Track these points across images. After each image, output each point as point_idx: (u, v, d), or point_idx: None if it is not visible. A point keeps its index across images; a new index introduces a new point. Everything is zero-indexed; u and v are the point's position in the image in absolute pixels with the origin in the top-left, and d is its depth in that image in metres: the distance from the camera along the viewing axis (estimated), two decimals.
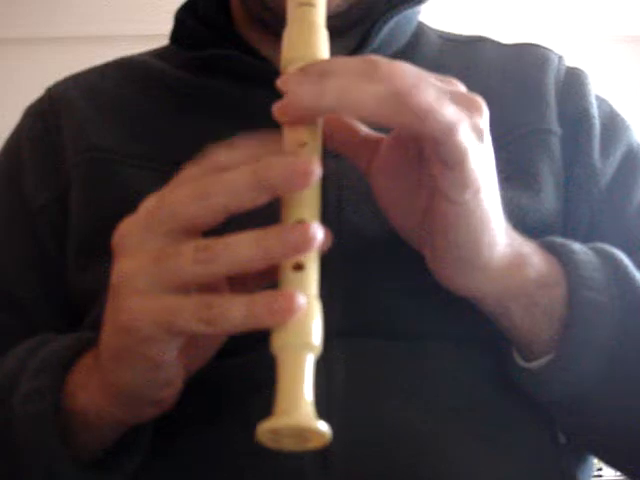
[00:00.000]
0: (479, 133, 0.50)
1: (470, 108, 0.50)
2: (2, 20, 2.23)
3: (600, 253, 0.59)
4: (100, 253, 0.51)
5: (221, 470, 0.58)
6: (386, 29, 0.71)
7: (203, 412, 0.59)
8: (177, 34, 0.75)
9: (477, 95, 0.52)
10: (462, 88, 0.52)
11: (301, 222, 0.47)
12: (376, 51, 0.70)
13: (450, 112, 0.48)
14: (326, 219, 0.49)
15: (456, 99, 0.49)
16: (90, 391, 0.54)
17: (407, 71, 0.47)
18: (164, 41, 0.79)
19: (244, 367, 0.58)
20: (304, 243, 0.44)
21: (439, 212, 0.52)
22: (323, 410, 0.45)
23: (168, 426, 0.56)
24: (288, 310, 0.44)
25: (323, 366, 0.47)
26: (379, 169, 0.55)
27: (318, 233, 0.44)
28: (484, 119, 0.51)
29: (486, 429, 0.60)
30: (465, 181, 0.50)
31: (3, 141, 0.78)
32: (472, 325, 0.59)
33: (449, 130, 0.48)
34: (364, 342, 0.60)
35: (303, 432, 0.44)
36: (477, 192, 0.51)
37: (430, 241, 0.55)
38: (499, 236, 0.54)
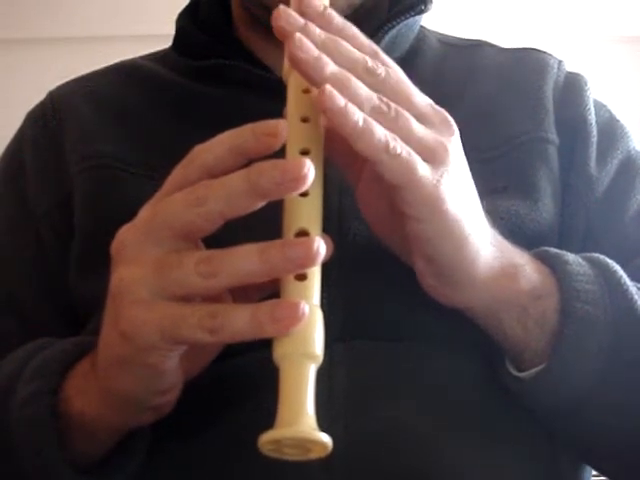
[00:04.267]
0: (446, 151, 0.51)
1: (439, 125, 0.51)
2: (2, 20, 2.23)
3: (594, 264, 0.59)
4: (103, 259, 0.51)
5: (223, 469, 0.58)
6: (388, 38, 0.71)
7: (205, 412, 0.59)
8: (178, 42, 0.76)
9: (446, 113, 0.52)
10: (431, 106, 0.53)
11: (304, 233, 0.47)
12: None
13: (379, 132, 0.48)
14: (327, 225, 0.49)
15: (426, 113, 0.50)
16: (87, 396, 0.54)
17: (334, 93, 0.48)
18: (164, 41, 0.79)
19: (246, 367, 0.58)
20: (308, 259, 0.44)
21: (409, 231, 0.53)
22: (325, 411, 0.45)
23: (170, 426, 0.56)
24: (292, 319, 0.44)
25: (324, 368, 0.47)
26: (365, 184, 0.56)
27: (321, 248, 0.44)
28: (454, 136, 0.52)
29: (485, 430, 0.60)
30: (421, 197, 0.50)
31: (3, 141, 0.78)
32: (470, 328, 0.59)
33: (378, 149, 0.48)
34: (364, 344, 0.60)
35: (305, 443, 0.44)
36: (437, 207, 0.51)
37: (413, 257, 0.56)
38: (483, 249, 0.54)
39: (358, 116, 0.48)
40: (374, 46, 0.53)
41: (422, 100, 0.52)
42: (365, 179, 0.55)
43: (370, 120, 0.48)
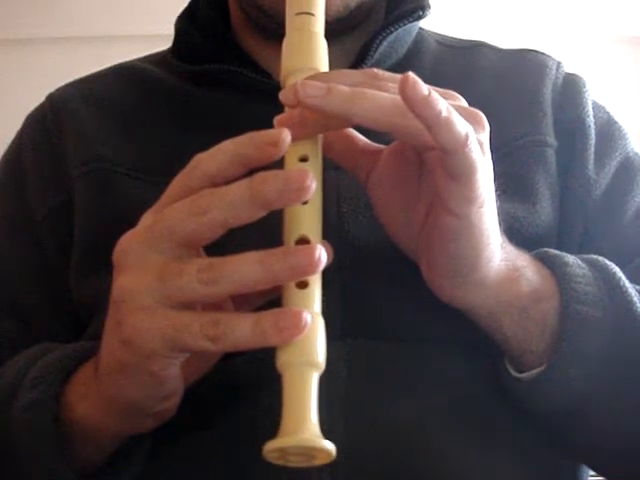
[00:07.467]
0: (482, 147, 0.50)
1: (473, 122, 0.50)
2: (2, 20, 2.23)
3: (594, 265, 0.60)
4: (103, 264, 0.51)
5: (223, 466, 0.58)
6: (386, 43, 0.71)
7: (204, 411, 0.59)
8: (177, 46, 0.75)
9: (477, 109, 0.52)
10: (463, 102, 0.52)
11: (304, 240, 0.47)
12: (376, 64, 0.70)
13: (462, 124, 0.48)
14: (326, 231, 0.49)
15: (459, 113, 0.49)
16: (89, 403, 0.54)
17: (417, 81, 0.47)
18: (163, 42, 0.79)
19: (245, 366, 0.58)
20: (309, 266, 0.44)
21: (440, 225, 0.52)
22: (325, 410, 0.46)
23: (169, 426, 0.56)
24: (296, 328, 0.44)
25: (324, 367, 0.47)
26: (378, 180, 0.56)
27: (323, 255, 0.44)
28: (485, 133, 0.52)
29: (485, 430, 0.60)
30: (470, 194, 0.50)
31: (3, 141, 0.78)
32: (471, 329, 0.59)
33: (461, 142, 0.48)
34: (364, 343, 0.60)
35: (310, 451, 0.44)
36: (480, 206, 0.51)
37: (427, 253, 0.55)
38: (496, 251, 0.54)
39: (442, 106, 0.47)
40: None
41: (458, 99, 0.53)
42: (378, 171, 0.55)
43: (452, 110, 0.48)
